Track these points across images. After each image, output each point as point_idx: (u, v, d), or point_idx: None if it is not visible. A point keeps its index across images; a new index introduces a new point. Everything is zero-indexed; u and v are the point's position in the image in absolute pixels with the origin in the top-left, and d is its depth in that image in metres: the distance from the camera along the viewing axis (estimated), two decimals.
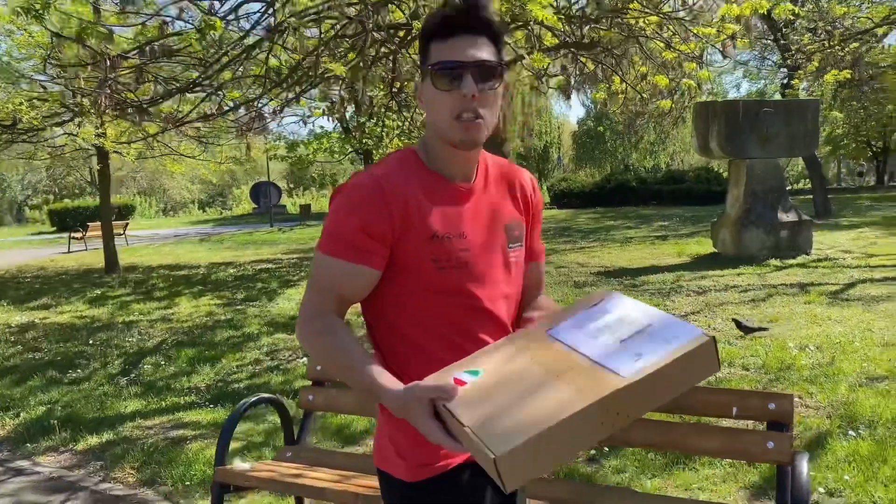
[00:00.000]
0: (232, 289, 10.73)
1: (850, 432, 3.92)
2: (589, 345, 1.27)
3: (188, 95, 7.54)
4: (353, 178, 1.42)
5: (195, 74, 6.37)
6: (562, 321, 1.37)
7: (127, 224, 21.45)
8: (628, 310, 1.34)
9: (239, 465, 2.86)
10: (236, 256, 15.46)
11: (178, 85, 6.38)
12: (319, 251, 1.41)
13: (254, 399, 2.96)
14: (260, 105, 7.31)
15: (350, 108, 11.75)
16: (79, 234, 19.65)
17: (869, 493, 3.31)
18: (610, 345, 1.25)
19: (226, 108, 7.28)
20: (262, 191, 28.86)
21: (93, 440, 4.59)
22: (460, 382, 1.23)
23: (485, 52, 1.37)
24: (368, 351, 1.38)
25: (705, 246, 10.82)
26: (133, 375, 6.14)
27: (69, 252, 18.95)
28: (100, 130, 9.91)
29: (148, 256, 16.65)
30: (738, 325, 5.82)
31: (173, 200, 49.74)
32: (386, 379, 1.28)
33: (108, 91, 5.66)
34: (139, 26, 6.29)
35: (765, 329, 5.89)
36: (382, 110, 11.41)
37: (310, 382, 3.18)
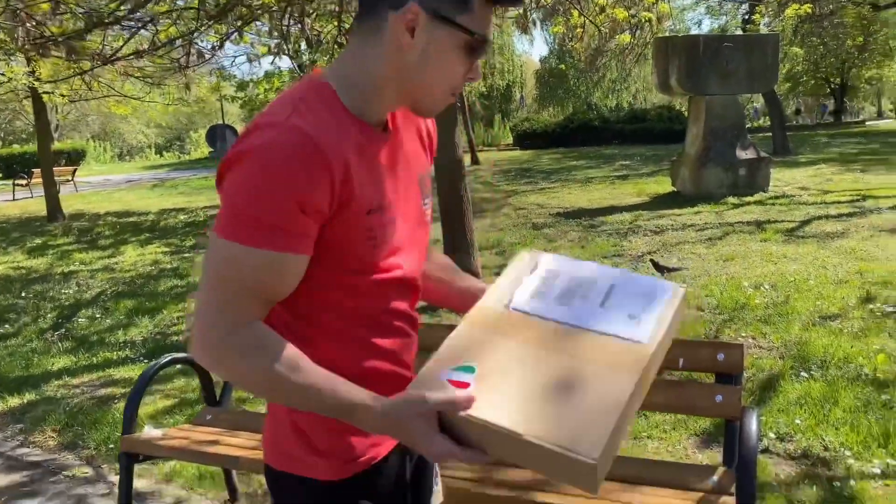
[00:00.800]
0: (181, 236, 10.35)
1: (803, 373, 3.85)
2: (573, 314, 1.08)
3: (118, 30, 7.02)
4: (267, 134, 0.98)
5: (115, 5, 5.87)
6: (512, 292, 1.13)
7: (75, 170, 20.58)
8: (573, 269, 1.17)
9: (150, 431, 2.63)
10: (189, 202, 14.95)
11: (100, 17, 5.88)
12: (227, 239, 0.99)
13: (165, 360, 2.70)
14: (195, 38, 6.83)
15: (302, 44, 11.18)
16: (24, 181, 18.81)
17: (819, 436, 3.24)
18: (594, 310, 1.09)
19: (158, 43, 6.79)
20: (219, 134, 28.01)
21: (14, 401, 4.32)
22: (461, 384, 0.98)
23: None
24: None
25: (664, 185, 10.69)
26: (65, 330, 5.83)
27: (14, 200, 18.16)
28: (29, 69, 9.25)
29: (97, 203, 16.01)
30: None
31: (129, 145, 48.04)
32: (362, 393, 1.01)
33: (21, 23, 5.17)
34: None
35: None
36: (334, 47, 10.89)
37: None
